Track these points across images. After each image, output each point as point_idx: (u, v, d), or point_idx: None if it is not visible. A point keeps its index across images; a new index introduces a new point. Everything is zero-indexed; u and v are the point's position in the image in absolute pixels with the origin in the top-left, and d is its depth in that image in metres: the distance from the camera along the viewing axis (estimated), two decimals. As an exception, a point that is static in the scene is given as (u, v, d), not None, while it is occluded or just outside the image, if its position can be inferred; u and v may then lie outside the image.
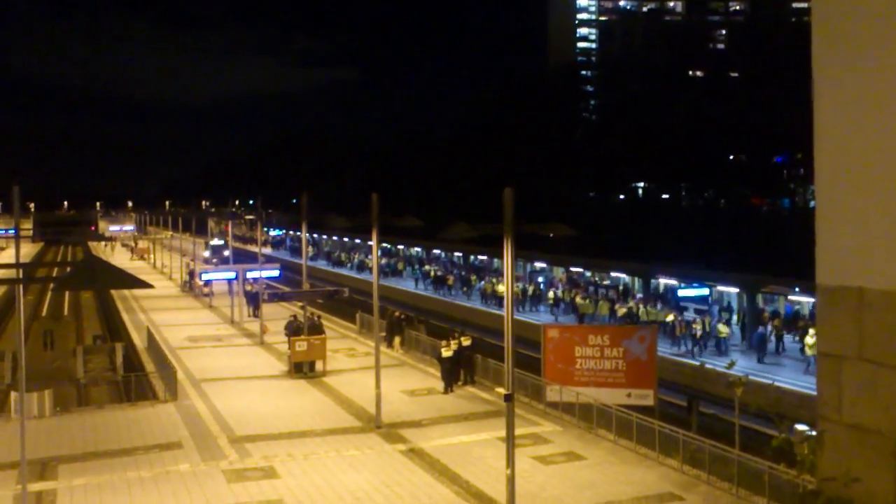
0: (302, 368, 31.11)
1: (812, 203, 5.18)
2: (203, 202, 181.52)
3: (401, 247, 78.32)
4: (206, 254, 78.35)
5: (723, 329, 36.36)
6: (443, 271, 61.65)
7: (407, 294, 60.97)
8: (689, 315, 39.55)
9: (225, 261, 64.29)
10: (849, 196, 4.27)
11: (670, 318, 38.65)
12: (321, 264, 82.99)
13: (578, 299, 45.70)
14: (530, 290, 50.38)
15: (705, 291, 42.97)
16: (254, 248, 59.73)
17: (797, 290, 36.46)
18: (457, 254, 67.76)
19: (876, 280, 4.13)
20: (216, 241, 76.41)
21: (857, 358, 4.24)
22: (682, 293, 43.46)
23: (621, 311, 41.97)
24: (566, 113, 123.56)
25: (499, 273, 56.11)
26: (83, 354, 31.62)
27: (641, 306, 41.45)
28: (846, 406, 4.33)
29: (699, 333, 35.84)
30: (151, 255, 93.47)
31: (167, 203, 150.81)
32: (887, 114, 4.06)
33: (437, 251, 71.75)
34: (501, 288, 49.57)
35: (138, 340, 40.19)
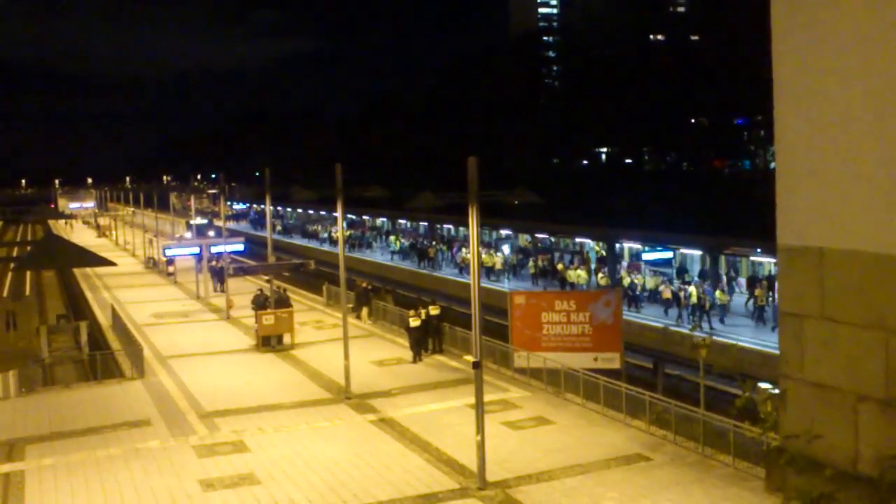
0: (269, 342, 31.00)
1: (772, 165, 5.18)
2: (165, 177, 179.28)
3: (366, 217, 77.79)
4: (188, 235, 75.68)
5: (722, 297, 34.51)
6: (422, 243, 59.97)
7: (383, 267, 59.95)
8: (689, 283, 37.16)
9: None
10: (808, 157, 4.30)
11: (662, 286, 37.25)
12: (286, 238, 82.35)
13: (561, 266, 44.74)
14: (512, 259, 49.87)
15: (669, 255, 43.29)
16: (220, 223, 57.99)
17: (759, 251, 36.84)
18: (422, 223, 67.47)
19: (836, 240, 4.17)
20: (198, 221, 71.88)
21: (818, 317, 4.29)
22: (645, 256, 43.73)
23: (604, 279, 40.86)
24: (529, 80, 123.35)
25: (483, 242, 55.40)
26: (47, 334, 31.20)
27: (631, 275, 39.88)
28: (808, 364, 4.39)
29: (708, 304, 33.57)
30: (113, 232, 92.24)
31: (128, 179, 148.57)
32: (844, 75, 4.08)
33: (402, 221, 71.40)
34: (485, 258, 49.25)
35: (103, 318, 39.77)
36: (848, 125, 4.09)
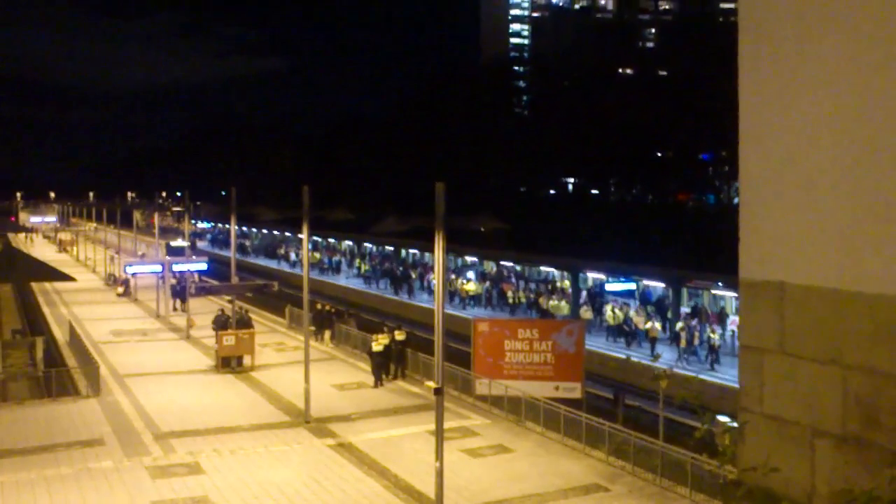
0: (229, 363, 30.64)
1: (736, 199, 5.22)
2: (129, 193, 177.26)
3: (332, 240, 77.37)
4: (168, 258, 72.85)
5: (713, 334, 32.67)
6: (399, 269, 58.53)
7: (352, 291, 59.29)
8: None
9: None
10: (771, 191, 4.34)
11: (649, 324, 35.08)
12: (249, 258, 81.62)
13: (542, 299, 43.42)
14: (490, 287, 48.88)
15: (632, 286, 43.56)
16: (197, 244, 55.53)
17: (720, 284, 37.21)
18: (388, 247, 67.19)
19: (797, 275, 4.21)
20: (178, 242, 68.43)
21: (778, 351, 4.32)
22: (609, 287, 43.90)
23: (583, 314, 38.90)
24: (498, 107, 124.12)
25: (465, 270, 54.56)
26: (1, 349, 30.55)
27: (628, 311, 37.81)
28: (767, 398, 4.41)
29: (717, 343, 31.84)
30: (75, 248, 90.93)
31: (91, 194, 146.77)
32: (808, 110, 4.14)
33: (368, 245, 71.06)
34: (471, 286, 48.57)
35: (60, 335, 39.10)
36: (810, 162, 4.14)
